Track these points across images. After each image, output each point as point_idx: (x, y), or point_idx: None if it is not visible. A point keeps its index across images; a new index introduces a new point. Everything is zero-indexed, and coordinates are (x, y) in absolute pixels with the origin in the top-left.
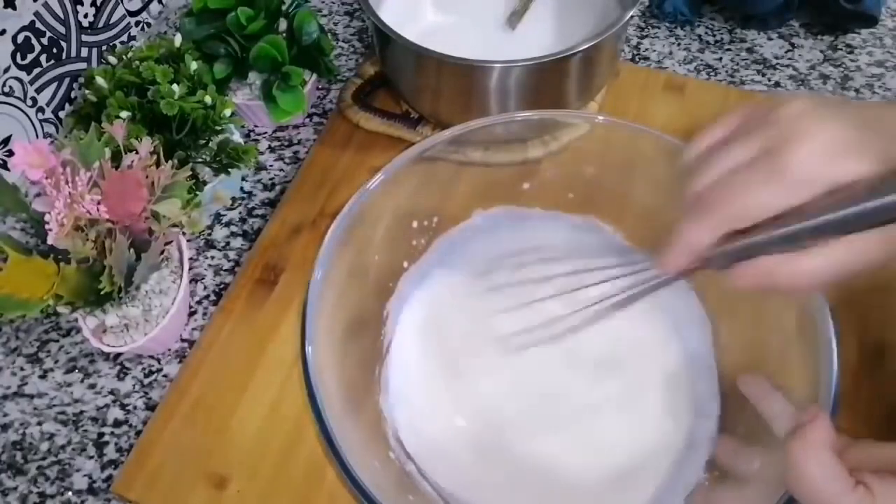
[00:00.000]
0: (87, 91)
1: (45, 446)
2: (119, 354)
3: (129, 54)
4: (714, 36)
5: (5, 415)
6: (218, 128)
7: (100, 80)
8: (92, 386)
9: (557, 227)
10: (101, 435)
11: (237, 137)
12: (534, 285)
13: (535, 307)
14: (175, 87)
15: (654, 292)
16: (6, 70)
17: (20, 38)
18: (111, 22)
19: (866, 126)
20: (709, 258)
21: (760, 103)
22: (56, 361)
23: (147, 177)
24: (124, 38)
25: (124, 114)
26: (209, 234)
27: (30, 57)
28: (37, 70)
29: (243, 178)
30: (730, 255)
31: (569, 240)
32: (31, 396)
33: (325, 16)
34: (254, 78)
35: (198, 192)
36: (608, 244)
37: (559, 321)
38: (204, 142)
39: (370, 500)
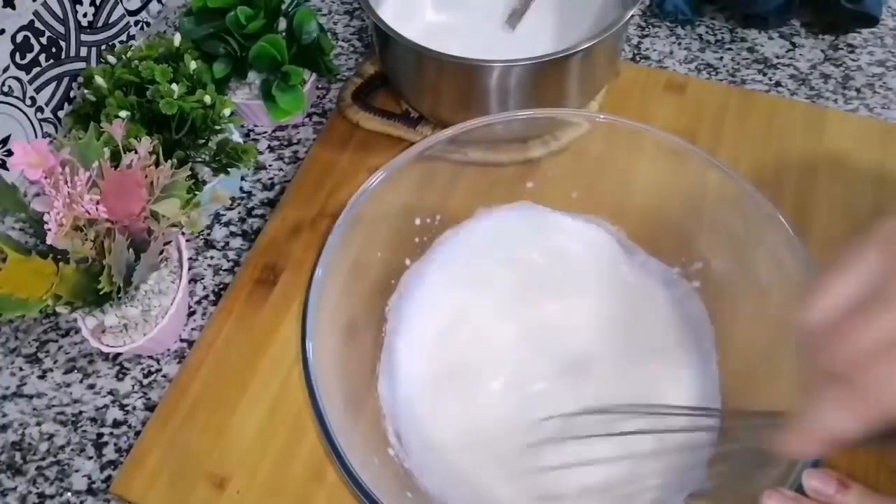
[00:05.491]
0: (86, 91)
1: (44, 447)
2: (118, 355)
3: (129, 54)
4: (715, 35)
5: (4, 415)
6: (217, 127)
7: (99, 80)
8: (91, 386)
9: (561, 225)
10: (100, 435)
11: (236, 137)
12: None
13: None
14: (174, 86)
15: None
16: (5, 69)
17: (19, 38)
18: (110, 21)
19: None
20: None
21: (888, 240)
22: (55, 362)
23: (146, 176)
24: (123, 37)
25: (123, 113)
26: (208, 234)
27: (29, 56)
28: (36, 69)
29: (243, 178)
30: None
31: (573, 239)
32: (31, 397)
33: (324, 15)
34: (253, 77)
35: (197, 192)
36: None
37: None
38: (203, 141)
39: (369, 497)
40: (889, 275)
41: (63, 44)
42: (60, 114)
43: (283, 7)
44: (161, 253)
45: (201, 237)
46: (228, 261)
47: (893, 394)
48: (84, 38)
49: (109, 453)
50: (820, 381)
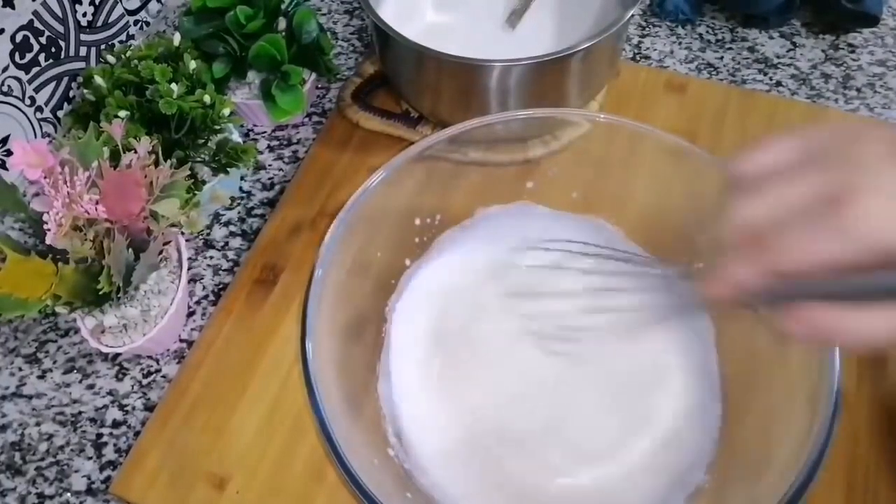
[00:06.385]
0: (85, 90)
1: (43, 447)
2: (118, 355)
3: (128, 53)
4: (715, 35)
5: (4, 415)
6: (217, 127)
7: (98, 80)
8: (90, 386)
9: (561, 225)
10: (99, 435)
11: (236, 137)
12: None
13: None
14: (174, 86)
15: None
16: (4, 69)
17: (19, 38)
18: (110, 21)
19: None
20: (753, 296)
21: (837, 127)
22: (54, 362)
23: (146, 176)
24: (123, 37)
25: (123, 113)
26: (208, 234)
27: (28, 56)
28: (35, 69)
29: (242, 178)
30: (778, 295)
31: (573, 238)
32: (30, 397)
33: (324, 14)
34: (253, 77)
35: (196, 192)
36: (614, 243)
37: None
38: (203, 141)
39: (369, 497)
40: (831, 149)
41: (62, 43)
42: (60, 113)
43: (283, 7)
44: (160, 253)
45: (201, 237)
46: (228, 261)
47: (793, 259)
48: (83, 37)
49: (109, 453)
50: (733, 236)
